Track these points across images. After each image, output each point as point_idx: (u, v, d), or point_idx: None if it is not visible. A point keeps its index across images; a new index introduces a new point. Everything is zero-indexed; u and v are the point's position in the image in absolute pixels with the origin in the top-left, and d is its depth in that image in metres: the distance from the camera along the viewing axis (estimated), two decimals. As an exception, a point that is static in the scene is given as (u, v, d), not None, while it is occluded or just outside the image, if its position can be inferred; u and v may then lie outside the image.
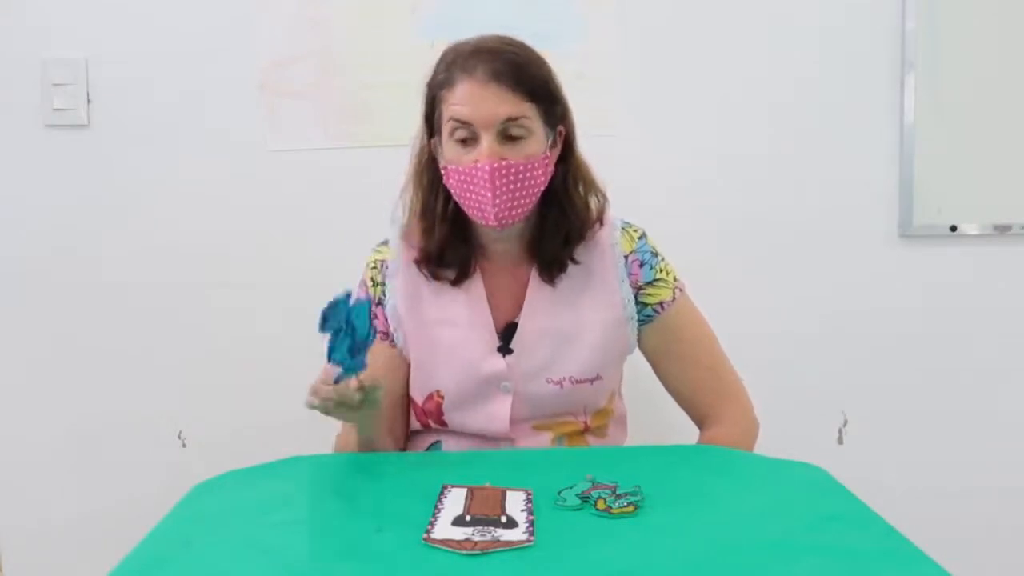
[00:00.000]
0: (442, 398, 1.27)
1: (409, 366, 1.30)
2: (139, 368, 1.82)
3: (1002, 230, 1.77)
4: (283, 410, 1.79)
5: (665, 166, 1.76)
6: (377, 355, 1.22)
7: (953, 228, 1.77)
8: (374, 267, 1.34)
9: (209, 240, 1.80)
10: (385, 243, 1.36)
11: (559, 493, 0.97)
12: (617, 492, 0.96)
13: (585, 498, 0.96)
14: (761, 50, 1.75)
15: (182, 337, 1.81)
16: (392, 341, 1.30)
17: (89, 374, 1.82)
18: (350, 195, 1.77)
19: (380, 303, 1.31)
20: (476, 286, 1.29)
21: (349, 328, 1.02)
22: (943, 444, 1.81)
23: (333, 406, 1.05)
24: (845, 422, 1.82)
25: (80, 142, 1.78)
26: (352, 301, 1.03)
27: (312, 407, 1.05)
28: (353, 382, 1.05)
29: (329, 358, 1.03)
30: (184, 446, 1.83)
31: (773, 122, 1.76)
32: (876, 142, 1.76)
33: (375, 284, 1.32)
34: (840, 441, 1.82)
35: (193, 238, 1.80)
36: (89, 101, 1.78)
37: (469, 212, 1.22)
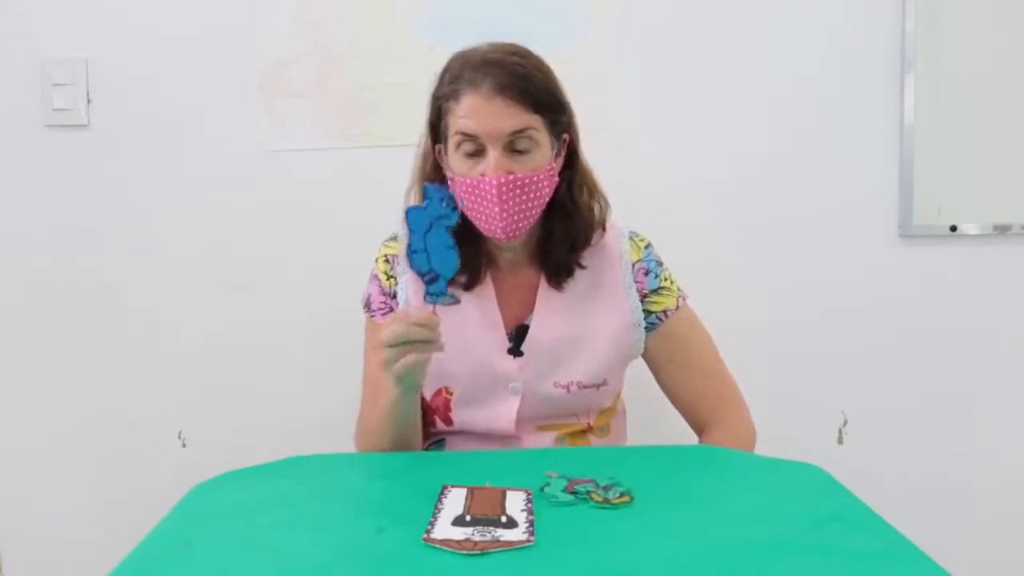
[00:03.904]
0: (450, 395, 1.28)
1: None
2: (139, 368, 1.82)
3: (1002, 230, 1.77)
4: (283, 410, 1.81)
5: (665, 166, 1.76)
6: None
7: (953, 228, 1.77)
8: (385, 260, 1.34)
9: (209, 240, 1.80)
10: (394, 238, 1.35)
11: (541, 490, 0.97)
12: (599, 484, 0.97)
13: (574, 493, 0.96)
14: (761, 50, 1.75)
15: (182, 338, 1.81)
16: None
17: (89, 374, 1.82)
18: (349, 195, 1.77)
19: (394, 296, 1.31)
20: (487, 289, 1.29)
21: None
22: (943, 444, 1.81)
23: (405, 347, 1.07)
24: (845, 422, 1.82)
25: (80, 142, 1.78)
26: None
27: (388, 342, 1.07)
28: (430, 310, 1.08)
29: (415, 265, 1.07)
30: (184, 446, 1.83)
31: (773, 122, 1.76)
32: (876, 142, 1.76)
33: (388, 277, 1.32)
34: (840, 441, 1.82)
35: (193, 238, 1.80)
36: (89, 101, 1.78)
37: (477, 224, 1.22)
